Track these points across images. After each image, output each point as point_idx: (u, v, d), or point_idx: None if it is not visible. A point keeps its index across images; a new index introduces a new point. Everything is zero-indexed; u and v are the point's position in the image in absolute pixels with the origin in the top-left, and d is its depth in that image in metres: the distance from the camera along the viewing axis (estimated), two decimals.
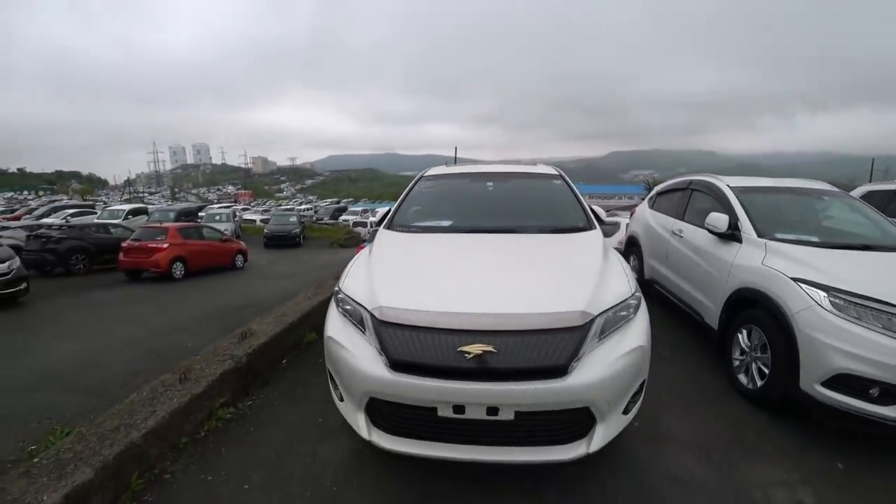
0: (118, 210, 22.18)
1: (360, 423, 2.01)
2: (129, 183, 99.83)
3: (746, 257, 3.13)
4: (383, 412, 1.97)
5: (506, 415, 1.78)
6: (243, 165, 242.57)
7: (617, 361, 1.86)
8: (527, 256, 2.53)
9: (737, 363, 3.11)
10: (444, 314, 1.89)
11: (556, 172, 3.61)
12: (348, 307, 2.18)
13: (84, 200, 45.67)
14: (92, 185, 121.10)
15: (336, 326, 2.18)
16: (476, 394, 1.76)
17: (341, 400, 2.17)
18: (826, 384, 2.44)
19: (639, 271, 5.37)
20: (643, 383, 2.10)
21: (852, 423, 2.44)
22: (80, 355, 5.35)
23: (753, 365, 2.94)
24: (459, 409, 1.80)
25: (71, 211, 23.31)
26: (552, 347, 1.80)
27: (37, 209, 26.38)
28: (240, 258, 13.84)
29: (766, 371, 2.79)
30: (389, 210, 3.35)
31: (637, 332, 2.02)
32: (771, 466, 2.35)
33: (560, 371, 1.78)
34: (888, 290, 2.42)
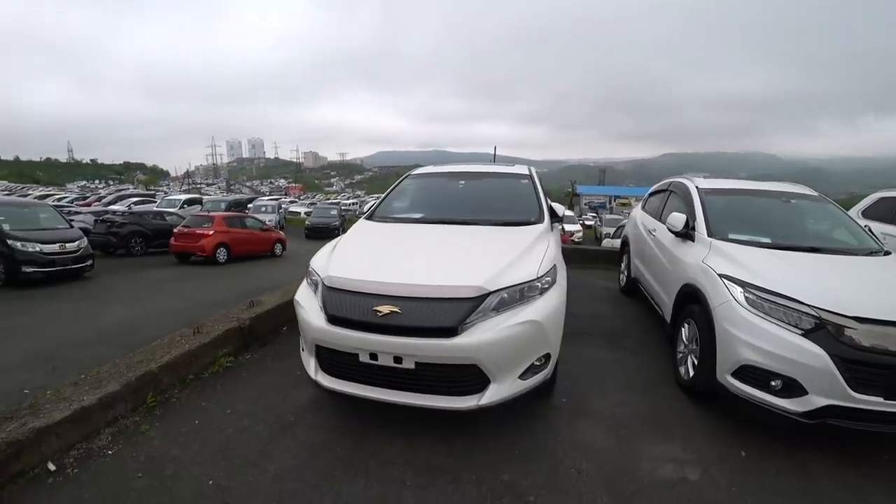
0: (175, 199, 24.64)
1: (311, 366, 2.71)
2: (188, 175, 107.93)
3: (694, 255, 3.46)
4: (325, 357, 2.63)
5: (408, 364, 2.36)
6: (295, 160, 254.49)
7: (505, 330, 2.32)
8: (466, 243, 3.09)
9: (679, 356, 3.40)
10: (368, 282, 2.53)
11: (526, 173, 4.15)
12: (313, 278, 2.88)
13: (147, 190, 50.35)
14: (155, 175, 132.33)
15: (301, 293, 2.91)
16: (384, 344, 2.36)
17: (303, 350, 2.88)
18: (735, 375, 2.70)
19: (627, 270, 5.75)
20: (547, 356, 2.55)
21: (760, 414, 2.63)
22: (129, 321, 6.49)
23: (689, 357, 3.21)
24: (374, 356, 2.41)
25: (134, 199, 26.13)
26: (446, 312, 2.33)
27: (105, 197, 29.62)
28: (279, 247, 15.20)
29: (696, 363, 3.10)
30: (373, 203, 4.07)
31: (535, 310, 2.44)
32: (672, 446, 2.61)
33: (450, 331, 2.29)
34: (803, 289, 2.63)
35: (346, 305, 2.51)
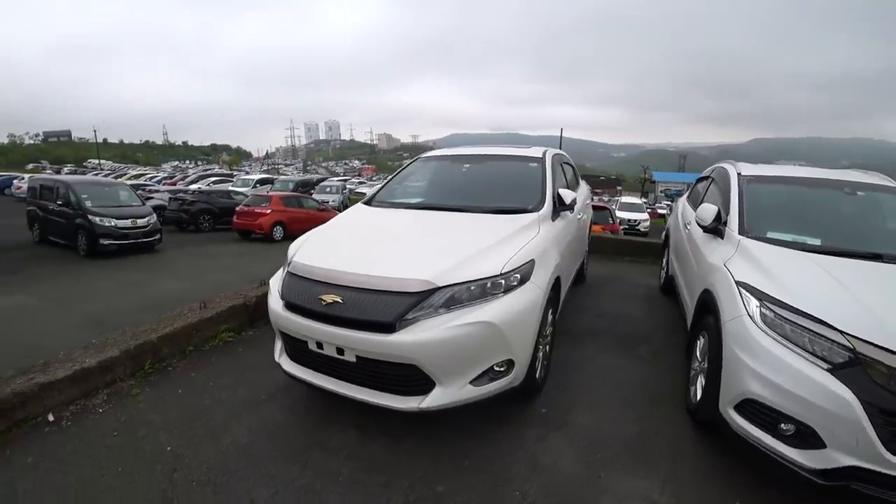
0: (249, 179, 26.52)
1: (276, 349, 2.79)
2: (268, 156, 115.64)
3: (719, 255, 2.95)
4: (288, 342, 2.69)
5: (349, 356, 2.32)
6: (369, 142, 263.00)
7: (449, 330, 2.13)
8: (443, 232, 2.94)
9: (692, 373, 2.90)
10: (319, 269, 2.51)
11: (537, 156, 3.85)
12: (287, 262, 2.94)
13: (230, 170, 54.71)
14: (239, 156, 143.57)
15: (275, 276, 2.97)
16: (326, 334, 2.34)
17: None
18: (738, 409, 2.22)
19: (666, 266, 5.30)
20: (510, 363, 2.34)
21: (767, 462, 2.11)
22: (177, 292, 7.12)
23: (700, 378, 2.72)
24: (320, 345, 2.41)
25: (213, 178, 28.49)
26: (385, 306, 2.22)
27: (189, 176, 32.54)
28: None
29: (704, 385, 2.61)
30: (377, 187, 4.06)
31: (492, 310, 2.22)
32: (650, 482, 2.23)
33: (388, 327, 2.18)
34: (839, 309, 2.07)
35: (298, 292, 2.54)
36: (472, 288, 2.28)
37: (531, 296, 2.44)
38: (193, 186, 22.65)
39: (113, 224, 9.78)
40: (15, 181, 24.95)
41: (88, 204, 9.88)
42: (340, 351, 2.34)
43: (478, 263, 2.38)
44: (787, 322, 2.12)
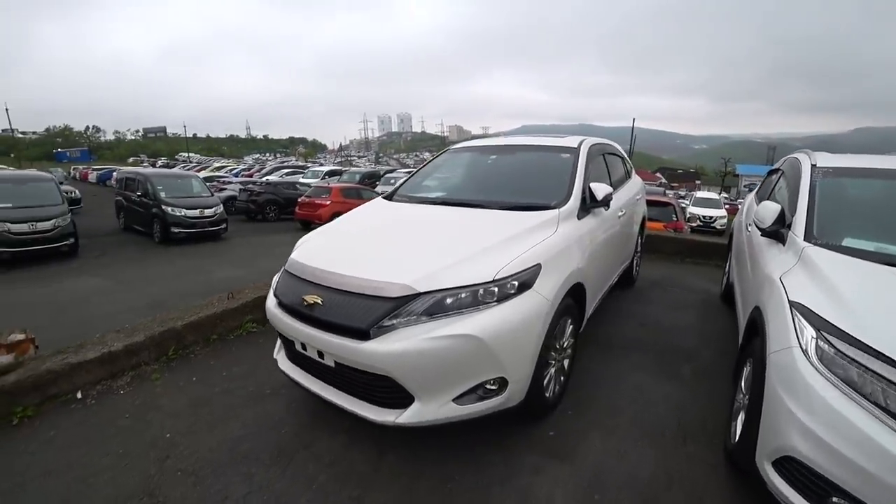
0: (319, 171, 27.64)
1: (277, 345, 2.76)
2: (342, 148, 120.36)
3: (776, 265, 2.41)
4: (282, 340, 2.64)
5: (329, 361, 2.21)
6: (440, 133, 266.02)
7: (428, 342, 1.93)
8: (446, 230, 2.70)
9: (735, 405, 2.43)
10: (307, 267, 2.42)
11: (572, 146, 3.48)
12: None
13: (306, 162, 57.59)
14: (315, 149, 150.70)
15: (278, 275, 2.91)
16: (307, 336, 2.25)
17: None
18: (776, 466, 1.79)
19: (729, 271, 4.72)
20: (503, 382, 2.09)
21: None
22: (237, 278, 7.50)
23: (742, 413, 2.25)
24: (304, 347, 2.33)
25: (286, 170, 30.01)
26: (362, 311, 2.06)
27: (265, 168, 34.53)
28: None
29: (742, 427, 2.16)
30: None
31: (479, 322, 1.98)
32: None
33: (362, 334, 2.02)
34: None
35: (287, 290, 2.48)
36: (462, 295, 2.04)
37: (532, 306, 2.16)
38: (267, 178, 24.01)
39: (182, 213, 10.57)
40: (114, 173, 27.91)
41: (163, 195, 10.76)
42: (321, 354, 2.24)
43: (471, 267, 2.14)
44: (853, 363, 1.61)
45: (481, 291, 2.06)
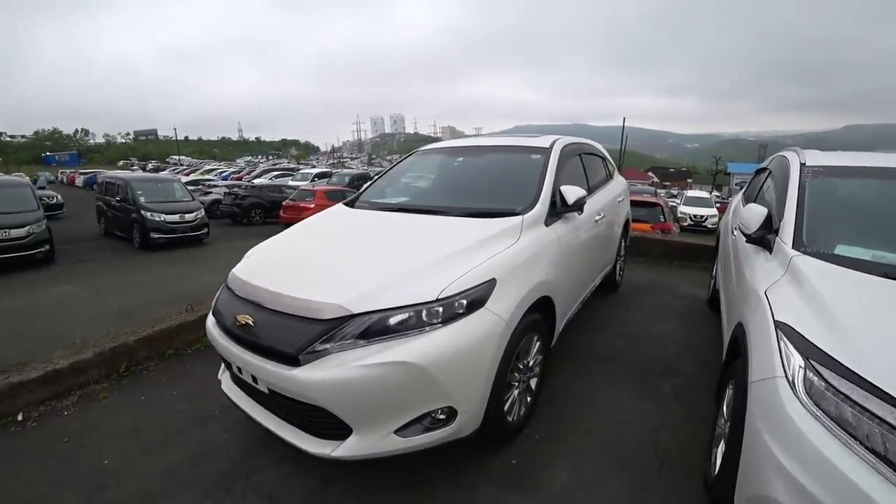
0: (308, 173, 27.37)
1: (222, 366, 2.54)
2: (334, 150, 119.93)
3: (762, 276, 2.17)
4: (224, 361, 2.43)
5: (262, 387, 2.02)
6: (433, 135, 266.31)
7: (362, 370, 1.73)
8: (404, 241, 2.48)
9: (717, 431, 2.18)
10: (244, 283, 2.22)
11: (543, 146, 3.27)
12: None
13: (298, 164, 57.20)
14: (307, 151, 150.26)
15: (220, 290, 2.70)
16: (240, 359, 2.05)
17: None
18: None
19: (715, 276, 4.57)
20: (451, 412, 1.89)
21: None
22: (215, 285, 7.18)
23: (722, 442, 2.01)
24: (239, 369, 2.14)
25: (275, 173, 29.74)
26: (293, 334, 1.87)
27: (254, 170, 34.24)
28: None
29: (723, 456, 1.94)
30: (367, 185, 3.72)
31: (419, 347, 1.77)
32: None
33: (290, 359, 1.84)
34: None
35: (224, 307, 2.30)
36: (402, 316, 1.83)
37: (484, 327, 1.94)
38: (257, 181, 23.73)
39: (162, 219, 10.33)
40: (98, 178, 27.52)
41: (142, 200, 10.51)
42: (255, 379, 2.05)
43: (415, 284, 1.93)
44: (847, 400, 1.34)
45: (425, 312, 1.85)
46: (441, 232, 2.48)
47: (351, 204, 3.31)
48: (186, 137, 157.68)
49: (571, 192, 2.83)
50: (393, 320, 1.83)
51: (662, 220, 8.61)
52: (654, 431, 2.56)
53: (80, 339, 3.40)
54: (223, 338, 2.19)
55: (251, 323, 2.04)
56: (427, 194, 3.37)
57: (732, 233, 3.49)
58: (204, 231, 11.20)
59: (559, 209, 2.82)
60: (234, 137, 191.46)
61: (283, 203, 14.19)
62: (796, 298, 1.80)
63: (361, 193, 3.49)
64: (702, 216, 18.51)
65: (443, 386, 1.81)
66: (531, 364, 2.46)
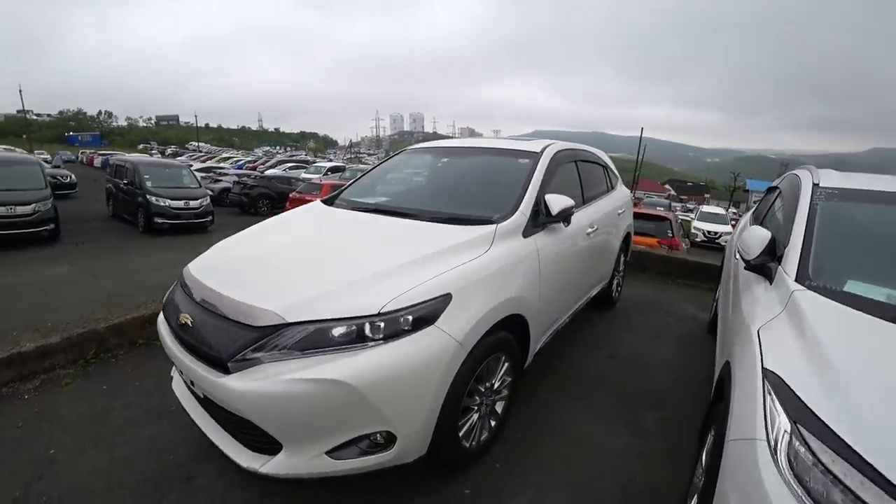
0: (321, 166, 27.43)
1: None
2: (352, 145, 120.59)
3: (758, 310, 1.90)
4: None
5: (198, 390, 1.91)
6: (451, 135, 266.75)
7: (291, 385, 1.58)
8: (365, 246, 2.31)
9: (695, 480, 1.95)
10: (193, 279, 2.11)
11: (534, 150, 3.08)
12: None
13: (315, 157, 57.62)
14: (325, 144, 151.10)
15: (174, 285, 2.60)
16: (178, 360, 1.94)
17: None
18: None
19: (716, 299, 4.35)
20: (390, 437, 1.73)
21: None
22: None
23: (695, 497, 1.80)
24: (181, 371, 2.04)
25: (288, 165, 29.84)
26: (227, 339, 1.76)
27: (269, 161, 34.42)
28: None
29: None
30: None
31: (353, 365, 1.61)
32: None
33: (221, 366, 1.72)
34: None
35: (172, 302, 2.18)
36: (340, 329, 1.68)
37: (431, 347, 1.75)
38: (269, 171, 23.82)
39: (167, 204, 10.34)
40: (109, 160, 27.91)
41: (149, 184, 10.53)
42: (192, 382, 1.95)
43: (359, 294, 1.77)
44: (837, 483, 1.08)
45: (367, 326, 1.69)
46: (405, 238, 2.31)
47: (331, 201, 3.18)
48: (207, 125, 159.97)
49: (557, 202, 2.63)
50: (330, 333, 1.68)
51: (670, 235, 8.33)
52: (626, 470, 2.34)
53: (49, 324, 3.34)
54: (168, 336, 2.08)
55: (190, 324, 1.93)
56: (405, 196, 3.23)
57: (735, 255, 3.28)
58: (208, 218, 11.20)
59: (542, 219, 2.64)
60: (254, 127, 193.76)
61: (290, 195, 14.16)
62: (792, 342, 1.52)
63: (342, 191, 3.36)
64: (716, 232, 18.12)
65: (378, 409, 1.65)
66: (496, 386, 2.28)
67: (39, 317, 4.36)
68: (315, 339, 1.67)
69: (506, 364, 2.29)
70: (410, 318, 1.73)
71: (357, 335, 1.68)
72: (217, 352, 1.75)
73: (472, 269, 2.03)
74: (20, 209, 8.79)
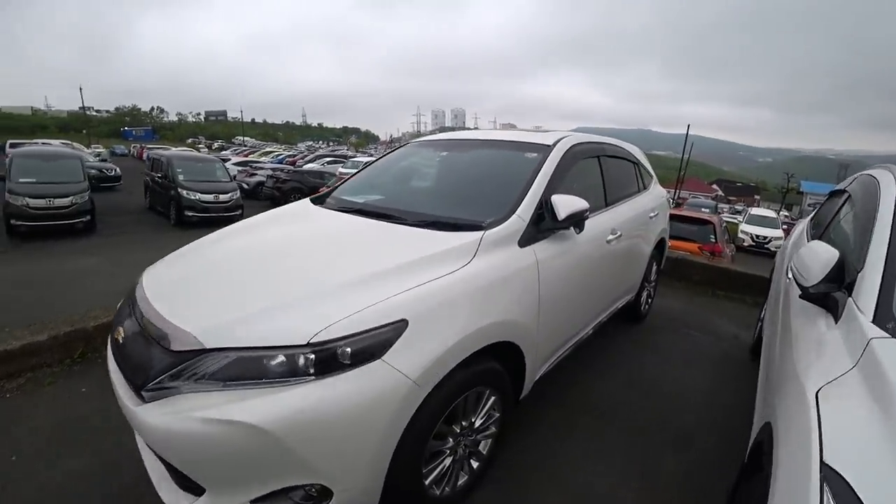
0: (359, 161, 27.66)
1: None
2: (392, 140, 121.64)
3: (818, 361, 1.38)
4: None
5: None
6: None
7: (199, 424, 1.32)
8: (329, 255, 1.95)
9: None
10: (140, 289, 1.88)
11: (546, 143, 2.66)
12: None
13: (356, 152, 58.46)
14: (367, 139, 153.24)
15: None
16: (111, 375, 1.73)
17: None
18: None
19: (762, 319, 3.83)
20: (324, 492, 1.44)
21: None
22: None
23: None
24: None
25: (327, 159, 30.21)
26: (146, 362, 1.52)
27: (310, 155, 34.99)
28: None
29: None
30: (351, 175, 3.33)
31: (274, 406, 1.32)
32: None
33: (138, 391, 1.48)
34: None
35: (119, 312, 1.96)
36: (268, 359, 1.39)
37: (376, 386, 1.42)
38: (307, 166, 24.16)
39: (197, 197, 10.53)
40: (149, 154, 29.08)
41: (181, 178, 10.77)
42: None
43: (292, 318, 1.47)
44: None
45: (300, 358, 1.38)
46: (376, 247, 1.98)
47: (322, 199, 2.90)
48: (253, 120, 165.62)
49: (565, 204, 2.18)
50: (255, 364, 1.40)
51: (713, 240, 7.64)
52: None
53: (43, 321, 3.27)
54: (110, 349, 1.87)
55: (120, 340, 1.72)
56: (396, 195, 2.92)
57: (787, 274, 2.56)
58: (237, 212, 11.32)
59: (546, 224, 2.22)
60: (298, 122, 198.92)
61: (320, 189, 14.21)
62: (869, 423, 1.03)
63: (336, 188, 3.10)
64: (765, 237, 16.90)
65: (304, 459, 1.37)
66: (478, 425, 1.94)
67: (53, 310, 4.36)
68: (238, 369, 1.39)
69: (492, 399, 1.95)
70: (348, 350, 1.41)
71: (288, 368, 1.39)
72: (135, 376, 1.53)
73: (441, 288, 1.67)
74: (58, 201, 9.13)
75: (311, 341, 1.39)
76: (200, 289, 1.79)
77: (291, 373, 1.38)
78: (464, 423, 1.86)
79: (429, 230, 2.04)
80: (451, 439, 1.82)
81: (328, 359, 1.39)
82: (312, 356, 1.38)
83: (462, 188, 2.71)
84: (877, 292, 1.41)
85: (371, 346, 1.44)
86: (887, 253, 1.54)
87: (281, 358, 1.39)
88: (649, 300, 4.44)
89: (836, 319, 1.50)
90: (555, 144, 2.64)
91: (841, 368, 1.23)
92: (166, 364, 1.45)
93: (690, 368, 3.55)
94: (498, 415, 2.03)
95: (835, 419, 1.07)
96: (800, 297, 1.76)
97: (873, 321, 1.31)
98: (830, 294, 1.61)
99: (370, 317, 1.47)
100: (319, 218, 2.52)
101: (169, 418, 1.36)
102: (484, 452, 2.04)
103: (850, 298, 1.49)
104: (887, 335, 1.24)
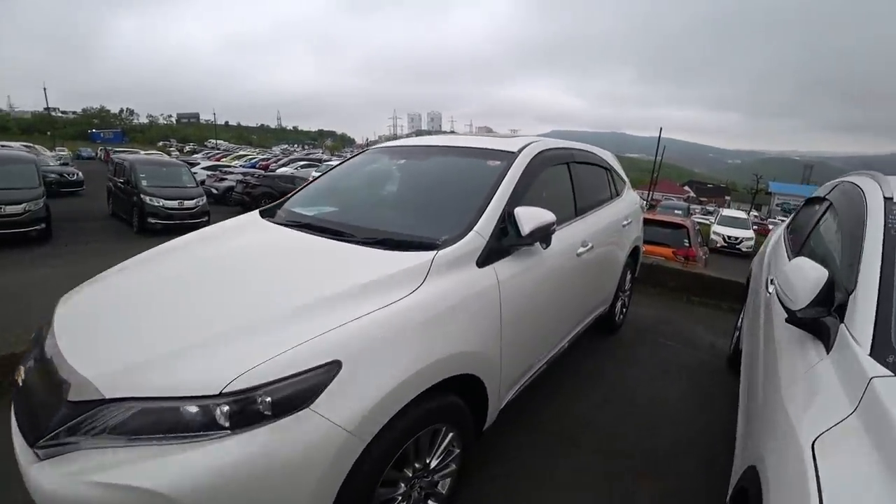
0: (332, 165, 27.24)
1: None
2: (368, 143, 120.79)
3: (811, 402, 1.22)
4: None
5: None
6: (467, 135, 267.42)
7: (93, 489, 1.12)
8: (267, 282, 1.70)
9: None
10: (52, 322, 1.64)
11: (511, 150, 2.47)
12: None
13: (332, 155, 57.77)
14: (342, 142, 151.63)
15: None
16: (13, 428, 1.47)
17: None
18: None
19: (740, 329, 3.74)
20: None
21: None
22: None
23: None
24: None
25: (301, 163, 29.66)
26: (42, 411, 1.32)
27: (284, 159, 34.36)
28: None
29: None
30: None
31: (183, 466, 1.13)
32: None
33: (31, 446, 1.27)
34: None
35: (32, 344, 1.71)
36: (177, 411, 1.19)
37: (303, 440, 1.22)
38: (280, 170, 23.62)
39: (160, 204, 10.05)
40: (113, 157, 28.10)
41: (144, 183, 10.27)
42: None
43: (207, 361, 1.27)
44: None
45: (214, 409, 1.18)
46: (315, 271, 1.75)
47: (272, 211, 2.65)
48: (226, 122, 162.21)
49: (530, 217, 1.99)
50: (162, 416, 1.19)
51: (687, 244, 7.62)
52: None
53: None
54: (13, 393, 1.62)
55: (20, 383, 1.49)
56: (349, 207, 2.69)
57: (767, 288, 2.46)
58: (204, 219, 10.86)
59: (509, 240, 2.03)
60: (273, 125, 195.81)
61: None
62: (874, 484, 0.89)
63: (287, 198, 2.86)
64: (737, 238, 17.22)
65: None
66: (435, 465, 1.75)
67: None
68: (142, 422, 1.19)
69: (449, 435, 1.75)
70: (268, 399, 1.20)
71: (199, 421, 1.18)
72: (29, 429, 1.31)
73: (384, 320, 1.47)
74: (10, 208, 8.57)
75: (223, 391, 1.18)
76: (110, 324, 1.56)
77: (203, 427, 1.17)
78: (417, 466, 1.66)
79: (376, 249, 1.84)
80: (402, 485, 1.61)
81: (245, 410, 1.19)
82: (227, 407, 1.18)
83: (417, 200, 2.51)
84: (873, 319, 1.26)
85: (297, 393, 1.24)
86: (881, 273, 1.39)
87: (192, 409, 1.18)
88: (624, 310, 4.32)
89: (828, 349, 1.35)
90: (520, 151, 2.46)
91: (839, 413, 1.09)
92: (63, 415, 1.24)
93: (667, 381, 3.43)
94: (458, 451, 1.84)
95: (834, 478, 0.93)
96: (786, 320, 1.58)
97: (871, 354, 1.17)
98: (820, 319, 1.45)
99: (297, 358, 1.27)
100: (262, 234, 2.28)
101: (58, 481, 1.15)
102: (444, 492, 1.84)
103: (842, 325, 1.34)
104: (889, 373, 1.09)
